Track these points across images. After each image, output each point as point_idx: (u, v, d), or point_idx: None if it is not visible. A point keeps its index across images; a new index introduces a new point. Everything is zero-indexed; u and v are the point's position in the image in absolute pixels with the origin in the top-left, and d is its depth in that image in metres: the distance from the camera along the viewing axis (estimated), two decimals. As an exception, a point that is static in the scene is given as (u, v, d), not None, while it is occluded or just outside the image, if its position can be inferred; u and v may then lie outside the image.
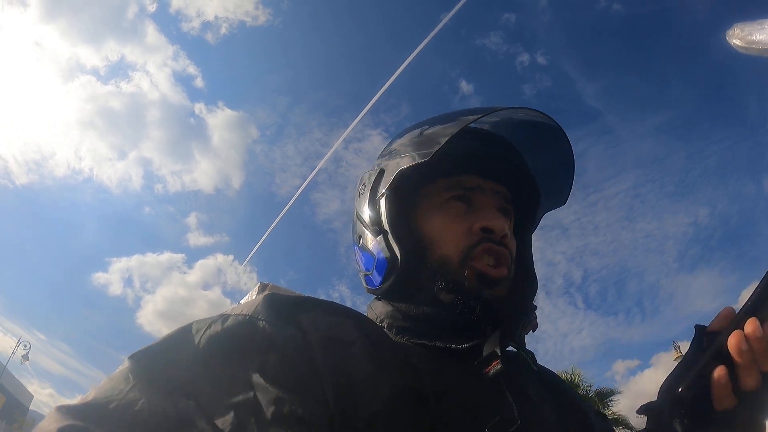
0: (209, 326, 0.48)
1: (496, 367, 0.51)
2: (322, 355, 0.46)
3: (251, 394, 0.41)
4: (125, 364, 0.45)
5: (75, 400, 0.43)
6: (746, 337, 0.44)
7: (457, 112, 0.65)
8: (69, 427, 0.38)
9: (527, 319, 0.58)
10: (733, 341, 0.45)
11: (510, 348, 0.58)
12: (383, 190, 0.62)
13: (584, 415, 0.62)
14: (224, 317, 0.49)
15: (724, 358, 0.45)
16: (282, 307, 0.51)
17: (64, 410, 0.40)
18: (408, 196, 0.63)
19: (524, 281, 0.64)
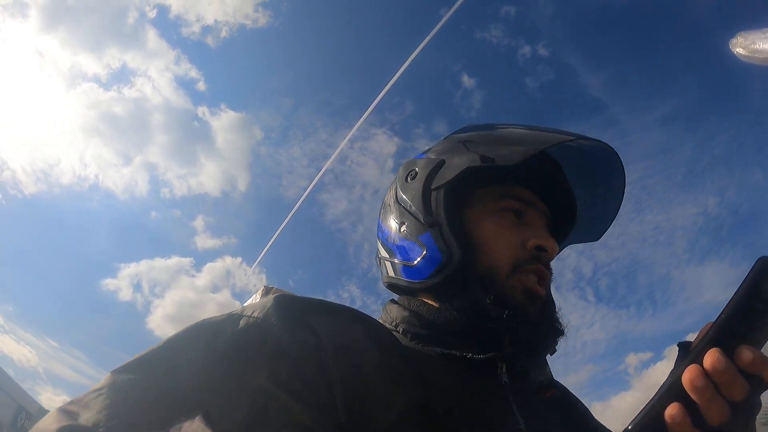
0: (219, 329, 0.46)
1: (555, 394, 0.53)
2: (335, 363, 0.45)
3: (260, 400, 0.40)
4: (128, 366, 0.44)
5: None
6: (706, 372, 0.40)
7: (540, 127, 0.64)
8: (69, 428, 0.37)
9: (554, 341, 0.59)
10: (687, 378, 0.40)
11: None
12: (442, 182, 0.60)
13: (593, 431, 0.61)
14: (234, 319, 0.47)
15: (681, 393, 0.41)
16: (294, 309, 0.49)
17: (65, 411, 0.39)
18: (461, 194, 0.61)
19: (550, 303, 0.63)
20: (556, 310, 0.62)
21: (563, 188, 0.64)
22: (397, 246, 0.62)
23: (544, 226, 0.61)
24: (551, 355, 0.59)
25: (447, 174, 0.60)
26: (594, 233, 0.71)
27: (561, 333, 0.59)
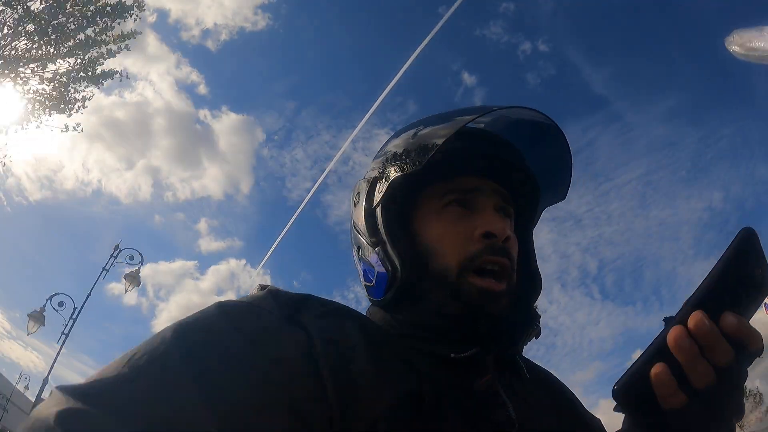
0: (215, 319, 0.46)
1: (487, 381, 0.52)
2: (325, 356, 0.46)
3: (254, 392, 0.40)
4: (132, 352, 0.42)
5: (83, 379, 0.41)
6: (690, 332, 0.41)
7: (451, 113, 0.64)
8: (68, 410, 0.35)
9: (529, 330, 0.59)
10: (671, 336, 0.41)
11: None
12: (378, 200, 0.61)
13: (581, 417, 0.62)
14: (229, 304, 0.49)
15: (666, 354, 0.41)
16: (286, 303, 0.50)
17: (67, 391, 0.37)
18: (405, 201, 0.62)
19: (527, 282, 0.64)
20: (532, 288, 0.63)
21: (510, 162, 0.64)
22: (360, 268, 0.65)
23: (492, 209, 0.60)
24: (536, 338, 0.61)
25: (381, 189, 0.61)
26: (559, 193, 0.71)
27: (534, 319, 0.59)
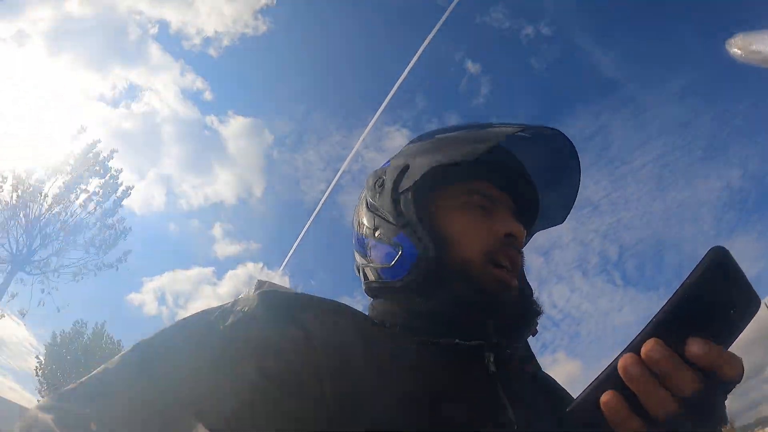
0: (209, 327, 0.47)
1: (490, 362, 0.53)
2: (324, 357, 0.46)
3: (250, 394, 0.40)
4: (125, 354, 0.44)
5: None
6: (644, 360, 0.38)
7: (486, 124, 0.66)
8: (49, 405, 0.37)
9: (533, 322, 0.59)
10: (621, 365, 0.38)
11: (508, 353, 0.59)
12: (409, 185, 0.62)
13: None
14: (223, 315, 0.48)
15: (618, 381, 0.39)
16: (282, 305, 0.50)
17: (58, 391, 0.40)
18: (426, 194, 0.63)
19: (525, 289, 0.65)
20: (532, 293, 0.65)
21: (523, 178, 0.67)
22: (374, 251, 0.64)
23: (510, 214, 0.63)
24: (533, 335, 0.61)
25: (412, 176, 0.62)
26: (558, 217, 0.74)
27: (538, 313, 0.60)
